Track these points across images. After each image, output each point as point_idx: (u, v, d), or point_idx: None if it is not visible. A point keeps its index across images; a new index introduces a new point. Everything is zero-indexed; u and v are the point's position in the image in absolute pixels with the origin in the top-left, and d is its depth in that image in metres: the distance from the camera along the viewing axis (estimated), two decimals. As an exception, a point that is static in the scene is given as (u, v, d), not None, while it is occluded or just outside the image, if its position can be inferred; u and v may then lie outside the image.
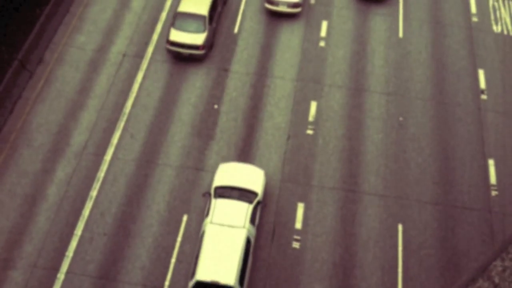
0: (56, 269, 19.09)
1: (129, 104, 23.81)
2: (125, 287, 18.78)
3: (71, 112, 23.32)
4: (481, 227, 20.94)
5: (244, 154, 22.38)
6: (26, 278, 18.78)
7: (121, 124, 23.09)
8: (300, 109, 24.02)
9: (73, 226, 20.10)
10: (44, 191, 20.91)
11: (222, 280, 17.23)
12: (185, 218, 20.52)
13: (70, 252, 19.49)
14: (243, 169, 20.36)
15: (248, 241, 18.30)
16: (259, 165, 22.05)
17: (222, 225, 18.44)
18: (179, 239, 19.97)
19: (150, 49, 25.83)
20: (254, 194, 19.67)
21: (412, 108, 24.40)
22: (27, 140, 22.32)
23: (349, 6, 28.42)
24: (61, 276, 18.95)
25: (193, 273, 17.74)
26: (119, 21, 26.92)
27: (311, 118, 23.76)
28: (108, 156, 22.05)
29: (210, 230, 18.29)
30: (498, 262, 9.83)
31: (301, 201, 21.20)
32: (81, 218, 20.32)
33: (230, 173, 20.13)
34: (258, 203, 19.60)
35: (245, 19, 27.48)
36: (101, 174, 21.52)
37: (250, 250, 18.37)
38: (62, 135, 22.55)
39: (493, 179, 22.35)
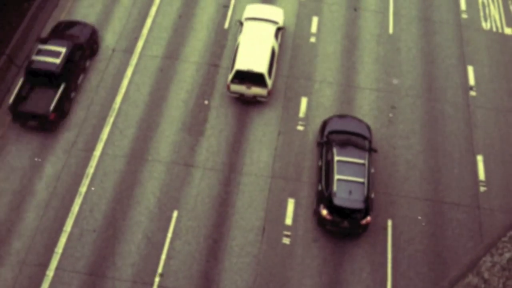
0: (45, 265, 18.95)
1: (119, 99, 23.64)
2: (115, 283, 18.70)
3: (60, 108, 23.10)
4: (470, 223, 21.11)
5: (234, 151, 22.34)
6: (15, 275, 18.62)
7: (110, 120, 22.93)
8: (290, 105, 24.02)
9: (62, 222, 19.95)
10: (32, 187, 20.72)
11: (255, 69, 22.39)
12: (175, 214, 20.45)
13: (59, 249, 19.35)
14: (266, 8, 25.83)
15: (273, 50, 23.40)
16: (249, 161, 22.03)
17: (256, 21, 24.38)
18: (169, 235, 19.91)
19: (140, 44, 25.65)
20: (276, 22, 25.38)
21: (402, 105, 24.50)
22: (16, 136, 22.08)
23: (340, 2, 28.42)
24: (50, 273, 18.82)
25: (232, 66, 22.96)
26: (108, 16, 26.69)
27: (301, 114, 23.77)
28: (97, 152, 21.90)
29: (247, 26, 24.07)
30: (487, 258, 9.91)
31: (291, 197, 21.22)
32: (70, 215, 20.18)
33: (256, 10, 25.68)
34: (279, 28, 24.93)
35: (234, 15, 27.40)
36: (90, 170, 21.37)
37: (274, 59, 23.48)
38: (51, 130, 22.34)
39: (481, 175, 22.53)
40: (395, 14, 28.29)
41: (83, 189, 20.83)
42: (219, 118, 23.35)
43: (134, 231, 19.92)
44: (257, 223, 20.45)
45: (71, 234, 19.70)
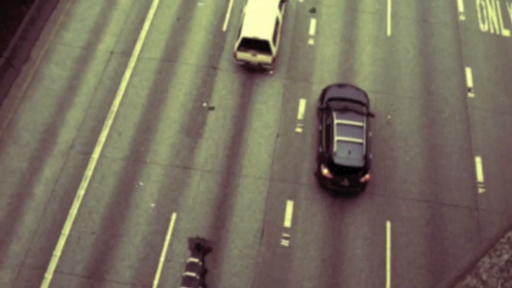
0: (44, 268, 18.92)
1: (117, 102, 23.63)
2: (114, 286, 18.67)
3: (58, 111, 23.10)
4: (468, 224, 21.12)
5: (233, 153, 22.34)
6: (13, 278, 18.58)
7: (109, 122, 22.92)
8: (289, 107, 24.03)
9: (60, 225, 19.93)
10: (31, 190, 20.69)
11: (261, 36, 23.73)
12: (173, 216, 20.43)
13: (57, 252, 19.32)
14: None
15: (277, 20, 24.75)
16: (248, 163, 22.03)
17: None
18: (168, 237, 19.89)
19: (138, 47, 25.66)
20: None
21: (400, 106, 24.52)
22: (14, 138, 22.07)
23: (337, 4, 28.46)
24: (48, 275, 18.78)
25: (238, 34, 24.23)
26: (106, 18, 26.70)
27: (300, 116, 23.78)
28: (96, 155, 21.88)
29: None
30: (486, 259, 9.91)
31: (290, 199, 21.22)
32: (68, 217, 20.15)
33: None
34: (282, 1, 26.34)
35: (233, 16, 27.44)
36: (88, 172, 21.36)
37: (278, 28, 24.92)
38: (49, 133, 22.33)
39: (480, 176, 22.55)
40: (393, 16, 28.33)
41: (81, 191, 20.81)
42: (218, 120, 23.35)
43: (133, 234, 19.89)
44: (256, 226, 20.44)
45: (69, 237, 19.68)
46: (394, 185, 21.95)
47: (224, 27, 26.82)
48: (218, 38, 26.36)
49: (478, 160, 23.05)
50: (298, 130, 23.30)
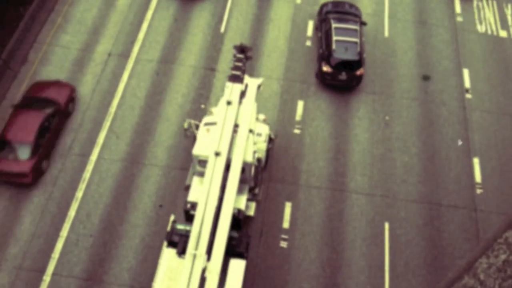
0: (42, 271, 18.88)
1: (115, 104, 23.62)
2: (112, 288, 18.65)
3: (56, 112, 23.07)
4: (466, 225, 21.14)
5: (231, 154, 22.32)
6: (11, 281, 18.55)
7: (106, 124, 22.90)
8: (287, 108, 24.04)
9: (58, 227, 19.90)
10: (29, 192, 20.66)
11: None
12: (172, 218, 20.41)
13: (55, 254, 19.29)
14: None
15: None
16: (246, 164, 22.03)
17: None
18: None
19: (136, 49, 25.66)
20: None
21: (398, 107, 24.55)
22: (11, 140, 22.02)
23: (335, 6, 28.50)
24: (47, 278, 18.75)
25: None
26: (104, 20, 26.70)
27: (298, 117, 23.80)
28: (93, 157, 21.86)
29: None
30: (483, 259, 9.92)
31: (288, 200, 21.22)
32: (66, 220, 20.12)
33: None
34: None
35: (232, 16, 27.44)
36: (86, 174, 21.33)
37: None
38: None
39: (478, 177, 22.58)
40: (390, 17, 28.37)
41: (79, 193, 20.79)
42: (216, 122, 23.33)
43: (131, 236, 19.87)
44: (255, 227, 20.42)
45: (67, 239, 19.65)
46: (393, 186, 21.96)
47: (222, 29, 26.84)
48: (216, 39, 26.37)
49: (476, 161, 23.08)
50: (296, 131, 23.32)
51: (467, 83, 25.85)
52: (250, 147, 17.67)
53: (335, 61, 23.58)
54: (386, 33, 27.56)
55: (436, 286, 19.25)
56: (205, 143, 17.76)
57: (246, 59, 19.75)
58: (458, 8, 29.25)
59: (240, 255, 16.54)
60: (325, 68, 23.73)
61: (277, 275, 19.37)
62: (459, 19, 28.70)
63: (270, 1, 28.31)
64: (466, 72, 26.28)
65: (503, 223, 10.54)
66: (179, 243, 16.21)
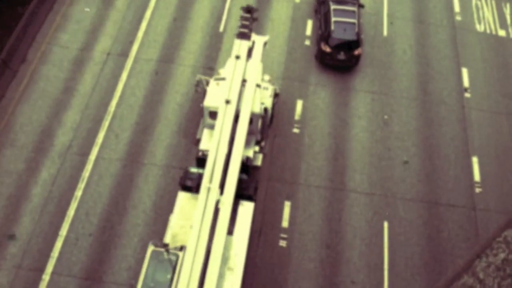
0: (41, 270, 18.88)
1: (114, 103, 23.61)
2: (111, 287, 18.64)
3: (55, 112, 23.07)
4: (465, 224, 21.17)
5: (231, 153, 22.32)
6: (10, 280, 18.54)
7: (106, 124, 22.89)
8: (286, 107, 24.05)
9: (58, 226, 19.89)
10: (28, 192, 20.66)
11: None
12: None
13: (55, 253, 19.29)
14: None
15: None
16: (246, 164, 22.03)
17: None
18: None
19: (135, 48, 25.65)
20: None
21: (397, 107, 24.57)
22: (11, 140, 22.03)
23: (334, 5, 28.49)
24: (46, 277, 18.75)
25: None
26: (103, 20, 26.69)
27: (297, 116, 23.81)
28: (93, 156, 21.85)
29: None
30: (482, 258, 9.94)
31: (288, 199, 21.23)
32: (66, 219, 20.12)
33: None
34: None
35: (230, 17, 27.44)
36: (86, 174, 21.33)
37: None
38: (46, 135, 22.31)
39: (477, 176, 22.61)
40: (389, 16, 28.38)
41: (78, 193, 20.78)
42: (215, 121, 23.33)
43: (131, 235, 19.87)
44: (254, 226, 20.43)
45: (67, 238, 19.65)
46: (392, 185, 21.98)
47: (221, 28, 26.83)
48: (215, 39, 26.36)
49: (475, 160, 23.11)
50: (296, 130, 23.33)
51: (466, 82, 25.87)
52: (258, 99, 19.06)
53: (334, 41, 24.41)
54: (385, 32, 27.57)
55: (435, 285, 19.27)
56: (216, 95, 19.10)
57: (252, 20, 21.03)
58: (457, 7, 29.27)
59: (249, 198, 17.99)
60: (325, 48, 24.53)
61: (276, 274, 19.38)
62: (458, 18, 28.73)
63: (269, 0, 28.31)
64: (465, 71, 26.30)
65: (502, 222, 10.56)
66: (194, 181, 17.93)
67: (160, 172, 21.56)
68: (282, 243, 20.13)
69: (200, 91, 22.71)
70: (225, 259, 16.39)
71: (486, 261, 9.79)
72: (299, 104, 24.21)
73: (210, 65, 25.28)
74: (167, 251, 15.77)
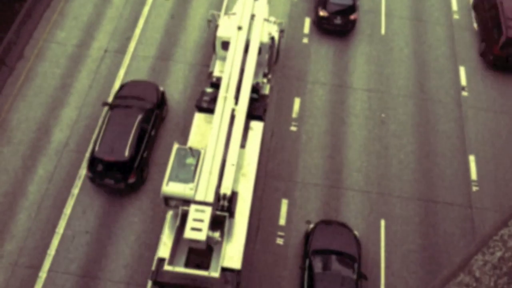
0: (38, 267, 18.86)
1: (110, 100, 23.54)
2: (108, 285, 18.63)
3: (51, 109, 23.01)
4: (462, 222, 21.23)
5: (228, 151, 22.30)
6: (7, 277, 18.51)
7: (103, 121, 22.83)
8: (283, 105, 24.04)
9: (54, 224, 19.86)
10: (24, 189, 20.61)
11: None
12: (169, 215, 20.37)
13: (52, 251, 19.26)
14: None
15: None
16: (243, 161, 22.03)
17: None
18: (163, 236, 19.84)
19: (132, 45, 25.59)
20: None
21: (394, 105, 24.59)
22: (7, 137, 21.97)
23: (332, 3, 28.47)
24: (43, 274, 18.72)
25: None
26: (100, 16, 26.61)
27: (294, 114, 23.81)
28: (89, 154, 21.80)
29: None
30: (479, 257, 9.96)
31: (285, 197, 21.25)
32: (62, 216, 20.09)
33: None
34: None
35: (228, 15, 27.37)
36: (82, 171, 21.29)
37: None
38: (42, 132, 22.25)
39: (473, 175, 22.66)
40: (387, 14, 28.39)
41: (75, 190, 20.75)
42: (212, 118, 23.31)
43: (128, 233, 19.86)
44: (251, 223, 20.44)
45: (63, 236, 19.62)
46: (388, 183, 22.02)
47: (219, 26, 26.77)
48: (212, 36, 26.31)
49: (471, 159, 23.16)
50: (293, 128, 23.34)
51: (463, 81, 25.91)
52: (265, 31, 21.19)
53: (331, 6, 25.97)
54: (383, 30, 27.57)
55: (431, 283, 19.33)
56: (228, 27, 21.39)
57: None
58: (454, 5, 29.29)
59: (259, 118, 19.88)
60: (322, 13, 26.01)
61: (273, 271, 19.40)
62: (456, 16, 28.75)
63: (267, -2, 28.29)
64: (462, 70, 26.34)
65: (499, 220, 10.59)
66: (209, 102, 19.85)
67: (157, 169, 21.52)
68: (279, 241, 20.15)
69: (213, 27, 25.45)
70: (239, 167, 18.45)
71: (482, 259, 9.82)
72: (297, 102, 24.21)
73: (207, 62, 25.25)
74: (190, 149, 17.22)
